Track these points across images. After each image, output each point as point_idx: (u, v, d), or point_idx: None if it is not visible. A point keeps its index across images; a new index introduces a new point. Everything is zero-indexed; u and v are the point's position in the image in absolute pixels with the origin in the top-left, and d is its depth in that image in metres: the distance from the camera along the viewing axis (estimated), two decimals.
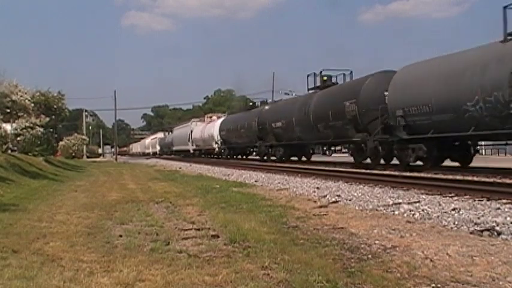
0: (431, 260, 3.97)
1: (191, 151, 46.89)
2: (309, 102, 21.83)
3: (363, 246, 4.63)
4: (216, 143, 37.65)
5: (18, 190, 11.07)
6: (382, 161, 16.73)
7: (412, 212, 6.58)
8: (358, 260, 4.07)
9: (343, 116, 18.02)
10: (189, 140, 47.08)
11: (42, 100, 26.10)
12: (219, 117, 43.31)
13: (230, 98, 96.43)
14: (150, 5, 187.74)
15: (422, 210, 6.65)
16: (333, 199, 8.49)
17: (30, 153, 24.00)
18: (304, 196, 9.28)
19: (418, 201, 7.46)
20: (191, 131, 46.74)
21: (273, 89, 55.41)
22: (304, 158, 26.20)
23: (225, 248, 4.60)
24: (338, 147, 30.95)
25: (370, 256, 4.21)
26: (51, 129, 31.32)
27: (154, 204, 8.28)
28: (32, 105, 21.25)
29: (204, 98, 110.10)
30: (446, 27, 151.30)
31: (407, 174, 12.85)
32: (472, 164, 14.80)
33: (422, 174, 12.28)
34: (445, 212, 6.35)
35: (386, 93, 15.72)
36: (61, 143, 40.96)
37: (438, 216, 6.13)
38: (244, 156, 35.72)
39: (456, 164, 15.16)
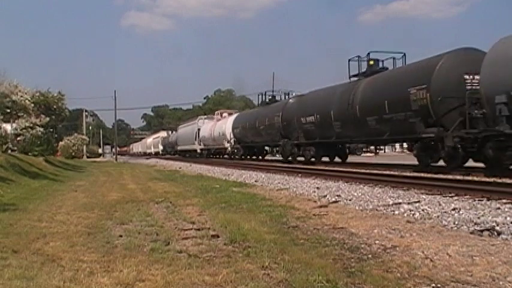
0: (431, 260, 3.97)
1: (198, 151, 43.51)
2: (354, 91, 17.75)
3: (363, 246, 4.63)
4: (228, 142, 34.06)
5: (18, 190, 11.07)
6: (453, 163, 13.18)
7: (412, 212, 6.58)
8: (358, 260, 4.07)
9: (407, 107, 14.26)
10: (195, 139, 43.69)
11: (42, 100, 26.13)
12: (230, 114, 39.65)
13: (230, 98, 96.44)
14: (150, 5, 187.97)
15: (423, 210, 6.65)
16: (333, 199, 8.49)
17: (30, 153, 24.00)
18: (304, 196, 9.28)
19: (418, 201, 7.46)
20: (198, 129, 43.18)
21: (273, 89, 55.41)
22: (337, 159, 22.42)
23: (225, 248, 4.60)
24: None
25: (370, 256, 4.21)
26: (51, 129, 31.35)
27: (155, 204, 8.28)
28: (32, 105, 21.26)
29: (204, 98, 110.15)
30: (446, 27, 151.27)
31: (408, 174, 12.84)
32: (473, 164, 14.56)
33: (422, 174, 12.27)
34: (445, 212, 6.35)
35: (467, 77, 13.01)
36: (61, 143, 40.96)
37: (438, 216, 6.13)
38: (260, 157, 32.37)
39: None
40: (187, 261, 4.06)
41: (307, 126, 21.60)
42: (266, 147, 31.65)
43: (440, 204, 6.99)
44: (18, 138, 24.71)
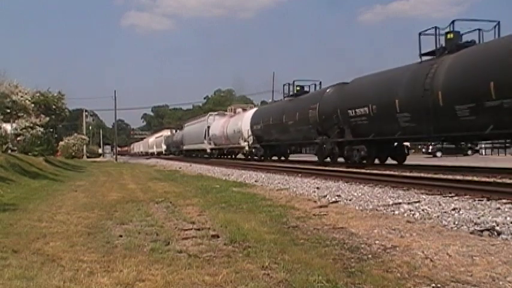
0: (431, 260, 3.97)
1: (208, 150, 39.65)
2: (433, 71, 13.67)
3: (363, 246, 4.63)
4: (245, 140, 30.08)
5: (18, 190, 11.07)
6: None
7: (412, 212, 6.58)
8: (358, 260, 4.07)
9: None
10: (205, 138, 39.84)
11: (42, 100, 26.16)
12: (245, 110, 36.31)
13: (230, 98, 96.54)
14: (150, 5, 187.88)
15: (423, 210, 6.65)
16: (333, 199, 8.49)
17: (30, 153, 24.02)
18: (304, 196, 9.27)
19: (418, 201, 7.45)
20: (208, 127, 39.43)
21: (273, 89, 55.37)
22: (389, 160, 18.46)
23: (225, 248, 4.60)
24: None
25: (370, 256, 4.21)
26: (51, 129, 31.39)
27: (155, 204, 8.28)
28: (32, 105, 21.29)
29: (204, 98, 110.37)
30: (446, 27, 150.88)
31: (408, 174, 12.85)
32: (473, 164, 14.60)
33: (422, 174, 12.27)
34: (445, 212, 6.35)
35: None
36: (61, 143, 41.00)
37: (438, 216, 6.12)
38: (283, 158, 28.52)
39: None
40: (187, 261, 4.06)
41: (357, 120, 17.35)
42: (292, 147, 27.33)
43: (440, 204, 6.99)
44: (18, 138, 24.73)
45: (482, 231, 5.11)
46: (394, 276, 3.54)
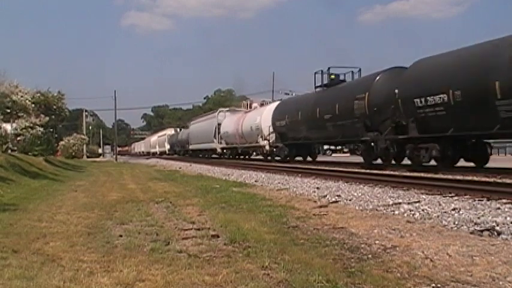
0: (431, 260, 3.97)
1: (218, 150, 36.24)
2: None
3: (363, 246, 4.63)
4: (265, 138, 26.66)
5: (18, 190, 11.06)
6: None
7: (412, 212, 6.58)
8: (358, 260, 4.07)
9: None
10: (214, 136, 36.36)
11: (42, 100, 26.15)
12: (262, 104, 32.46)
13: (230, 98, 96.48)
14: (150, 5, 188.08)
15: (423, 210, 6.65)
16: (333, 199, 8.49)
17: (30, 153, 24.01)
18: (304, 196, 9.27)
19: (418, 201, 7.45)
20: (218, 124, 35.91)
21: (273, 89, 55.37)
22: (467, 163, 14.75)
23: (225, 248, 4.60)
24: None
25: (370, 256, 4.21)
26: (51, 129, 31.39)
27: (155, 204, 8.28)
28: (32, 105, 21.29)
29: (204, 98, 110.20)
30: (446, 27, 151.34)
31: (408, 174, 12.84)
32: (473, 164, 14.47)
33: (422, 174, 12.27)
34: (445, 212, 6.35)
35: None
36: (61, 143, 40.98)
37: (438, 216, 6.12)
38: (310, 158, 24.75)
39: None
40: (187, 261, 4.06)
41: (427, 111, 13.66)
42: (324, 145, 24.74)
43: (440, 204, 6.98)
44: (18, 138, 24.72)
45: (482, 231, 5.11)
46: (394, 276, 3.54)
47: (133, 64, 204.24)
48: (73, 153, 42.32)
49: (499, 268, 3.67)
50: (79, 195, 10.28)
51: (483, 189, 8.13)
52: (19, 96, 19.11)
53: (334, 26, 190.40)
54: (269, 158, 26.91)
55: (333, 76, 21.37)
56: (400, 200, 7.69)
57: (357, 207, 7.41)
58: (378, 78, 16.93)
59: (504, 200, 7.02)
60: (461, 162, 14.98)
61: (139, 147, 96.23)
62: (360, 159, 18.37)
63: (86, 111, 68.06)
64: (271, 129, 25.98)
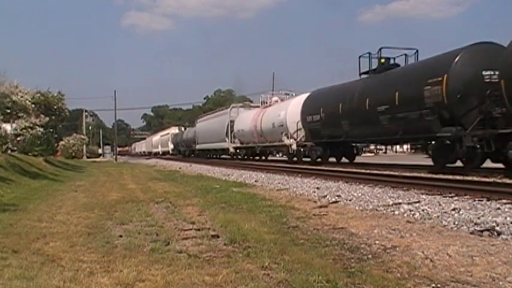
0: (431, 260, 3.97)
1: (231, 150, 32.76)
2: None
3: (363, 246, 4.63)
4: (291, 137, 23.26)
5: (18, 190, 11.06)
6: None
7: (412, 212, 6.58)
8: (358, 260, 4.07)
9: None
10: (226, 135, 33.04)
11: (42, 100, 26.15)
12: (283, 98, 28.87)
13: (230, 98, 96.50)
14: (150, 5, 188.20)
15: (422, 210, 6.65)
16: (333, 199, 8.49)
17: (30, 153, 24.01)
18: (304, 196, 9.27)
19: (418, 201, 7.45)
20: (231, 121, 32.68)
21: (273, 89, 55.30)
22: None
23: (225, 248, 4.60)
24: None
25: (370, 256, 4.21)
26: (51, 129, 31.38)
27: (155, 204, 8.28)
28: (32, 105, 21.30)
29: (204, 98, 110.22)
30: (446, 27, 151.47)
31: (408, 174, 12.85)
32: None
33: (422, 174, 12.27)
34: (445, 212, 6.35)
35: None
36: (61, 143, 40.99)
37: (438, 216, 6.12)
38: (347, 159, 21.18)
39: None
40: (187, 261, 4.06)
41: None
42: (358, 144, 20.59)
43: (440, 204, 6.98)
44: (18, 138, 24.72)
45: (482, 231, 5.11)
46: (394, 276, 3.54)
47: (133, 64, 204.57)
48: (73, 154, 42.33)
49: (499, 268, 3.67)
50: (79, 196, 10.28)
51: (483, 189, 8.13)
52: (19, 96, 19.12)
53: (334, 26, 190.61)
54: (295, 159, 23.06)
55: (382, 60, 17.42)
56: (400, 200, 7.69)
57: (357, 208, 7.41)
58: (459, 57, 13.27)
59: (504, 200, 7.03)
60: None
61: (140, 147, 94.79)
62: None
63: (86, 111, 68.08)
64: (300, 126, 22.36)
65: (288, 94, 28.19)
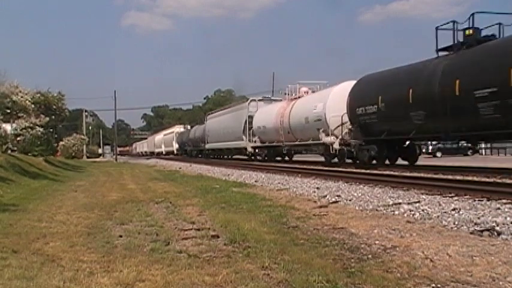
0: (431, 260, 3.97)
1: (249, 150, 28.91)
2: None
3: (363, 246, 4.63)
4: (332, 134, 18.97)
5: (18, 190, 11.07)
6: None
7: (412, 212, 6.58)
8: (358, 260, 4.07)
9: None
10: (243, 132, 29.34)
11: (42, 100, 26.14)
12: (312, 88, 23.83)
13: (230, 98, 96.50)
14: (150, 5, 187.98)
15: (423, 210, 6.65)
16: (333, 199, 8.48)
17: (30, 154, 24.02)
18: (304, 196, 9.27)
19: (418, 201, 7.45)
20: (249, 117, 28.74)
21: (273, 89, 55.21)
22: None
23: (225, 248, 4.60)
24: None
25: (370, 256, 4.21)
26: (51, 130, 31.36)
27: (154, 204, 8.28)
28: (32, 105, 21.31)
29: (204, 98, 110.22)
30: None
31: (408, 174, 12.84)
32: (473, 164, 14.41)
33: (422, 174, 12.27)
34: (445, 212, 6.35)
35: None
36: (61, 143, 41.01)
37: (438, 216, 6.12)
38: (407, 161, 17.11)
39: None
40: (187, 261, 4.06)
41: None
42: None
43: (440, 204, 6.98)
44: (18, 139, 24.72)
45: (482, 231, 5.11)
46: (394, 277, 3.54)
47: (133, 64, 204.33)
48: (73, 154, 42.35)
49: (499, 268, 3.66)
50: (79, 196, 10.28)
51: (483, 189, 8.13)
52: (19, 96, 19.14)
53: (334, 26, 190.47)
54: (335, 160, 19.36)
55: (469, 32, 13.45)
56: (400, 200, 7.69)
57: (357, 208, 7.41)
58: None
59: (504, 200, 7.02)
60: None
61: (141, 147, 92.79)
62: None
63: (86, 111, 68.07)
64: (345, 119, 18.22)
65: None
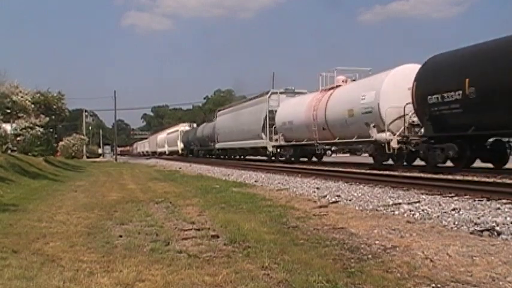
0: (431, 260, 3.97)
1: (270, 149, 25.21)
2: None
3: (363, 246, 4.63)
4: (387, 129, 15.30)
5: (18, 190, 11.06)
6: None
7: (412, 212, 6.58)
8: (358, 260, 4.06)
9: None
10: (263, 130, 25.82)
11: (42, 100, 26.14)
12: (351, 77, 20.03)
13: (230, 98, 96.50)
14: (150, 5, 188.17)
15: (422, 210, 6.65)
16: (333, 199, 8.48)
17: (30, 154, 24.01)
18: (304, 196, 9.27)
19: (418, 201, 7.45)
20: (270, 111, 25.23)
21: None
22: None
23: (225, 248, 4.60)
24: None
25: (370, 256, 4.21)
26: (51, 130, 31.36)
27: (154, 204, 8.28)
28: (32, 105, 21.30)
29: (204, 98, 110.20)
30: (446, 27, 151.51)
31: (408, 174, 12.84)
32: (473, 164, 14.34)
33: (422, 174, 12.27)
34: (445, 212, 6.35)
35: None
36: (61, 143, 41.00)
37: (438, 216, 6.12)
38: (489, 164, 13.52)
39: None
40: (187, 261, 4.06)
41: None
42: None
43: (440, 205, 6.98)
44: (18, 139, 24.71)
45: (482, 231, 5.11)
46: (394, 277, 3.54)
47: (133, 64, 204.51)
48: (73, 154, 42.31)
49: (499, 268, 3.66)
50: (79, 196, 10.28)
51: (483, 189, 8.12)
52: (19, 96, 19.12)
53: (334, 26, 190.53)
54: (391, 162, 16.14)
55: None
56: (400, 200, 7.69)
57: (357, 208, 7.41)
58: None
59: (504, 200, 7.02)
60: None
61: (142, 146, 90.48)
62: None
63: (85, 111, 68.05)
64: (408, 111, 14.61)
65: (357, 73, 19.15)
